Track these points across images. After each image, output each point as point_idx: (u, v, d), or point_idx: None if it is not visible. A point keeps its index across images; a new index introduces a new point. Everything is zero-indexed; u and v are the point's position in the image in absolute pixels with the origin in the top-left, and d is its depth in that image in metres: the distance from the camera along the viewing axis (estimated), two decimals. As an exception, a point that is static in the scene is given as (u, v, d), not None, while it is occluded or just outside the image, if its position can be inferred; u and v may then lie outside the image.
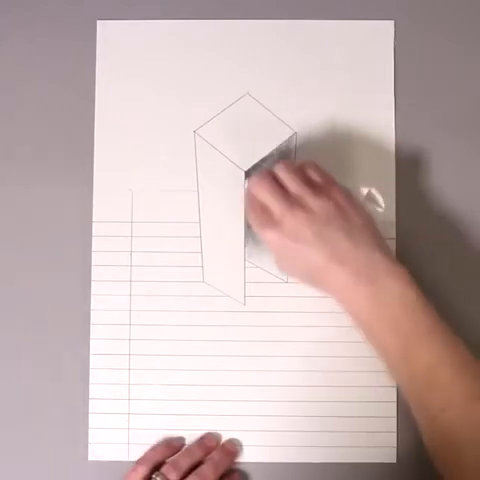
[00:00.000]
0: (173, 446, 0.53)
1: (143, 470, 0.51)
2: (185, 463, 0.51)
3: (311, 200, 0.48)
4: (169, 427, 0.54)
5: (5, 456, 0.55)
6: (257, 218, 0.49)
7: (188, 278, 0.55)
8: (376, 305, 0.46)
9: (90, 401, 0.55)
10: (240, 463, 0.54)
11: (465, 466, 0.43)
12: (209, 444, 0.53)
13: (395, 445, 0.54)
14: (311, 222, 0.47)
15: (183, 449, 0.53)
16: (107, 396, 0.55)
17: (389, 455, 0.54)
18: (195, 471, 0.51)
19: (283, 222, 0.48)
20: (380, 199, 0.53)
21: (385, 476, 0.54)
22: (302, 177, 0.50)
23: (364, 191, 0.53)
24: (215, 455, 0.52)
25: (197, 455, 0.52)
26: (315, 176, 0.50)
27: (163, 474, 0.50)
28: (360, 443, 0.54)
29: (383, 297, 0.46)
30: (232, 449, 0.53)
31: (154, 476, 0.51)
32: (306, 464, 0.54)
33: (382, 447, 0.54)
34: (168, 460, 0.52)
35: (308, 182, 0.49)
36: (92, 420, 0.55)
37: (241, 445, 0.54)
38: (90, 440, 0.54)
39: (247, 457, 0.54)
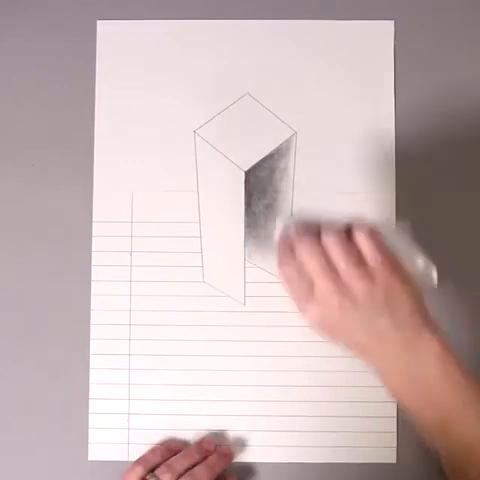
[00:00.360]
0: (173, 449, 0.53)
1: (140, 470, 0.51)
2: (180, 466, 0.51)
3: (360, 287, 0.45)
4: (169, 427, 0.54)
5: (5, 456, 0.55)
6: (299, 291, 0.46)
7: (188, 278, 0.55)
8: (414, 383, 0.45)
9: (90, 401, 0.55)
10: (239, 463, 0.54)
11: None
12: (206, 447, 0.53)
13: (395, 445, 0.54)
14: (356, 307, 0.45)
15: (180, 452, 0.53)
16: (107, 396, 0.55)
17: (389, 455, 0.54)
18: (189, 472, 0.51)
19: (327, 302, 0.45)
20: (434, 274, 0.48)
21: (385, 476, 0.54)
22: (352, 252, 0.46)
23: (420, 263, 0.49)
24: (211, 458, 0.52)
25: (193, 458, 0.52)
26: (367, 249, 0.46)
27: (156, 476, 0.50)
28: (360, 443, 0.54)
29: (421, 375, 0.45)
30: (227, 452, 0.54)
31: (148, 477, 0.50)
32: (306, 464, 0.54)
33: (382, 447, 0.54)
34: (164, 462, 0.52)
35: (358, 259, 0.46)
36: (92, 420, 0.55)
37: (242, 445, 0.54)
38: (90, 440, 0.54)
39: (247, 457, 0.54)
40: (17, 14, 0.57)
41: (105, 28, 0.57)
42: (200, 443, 0.54)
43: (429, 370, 0.45)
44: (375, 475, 0.54)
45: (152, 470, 0.51)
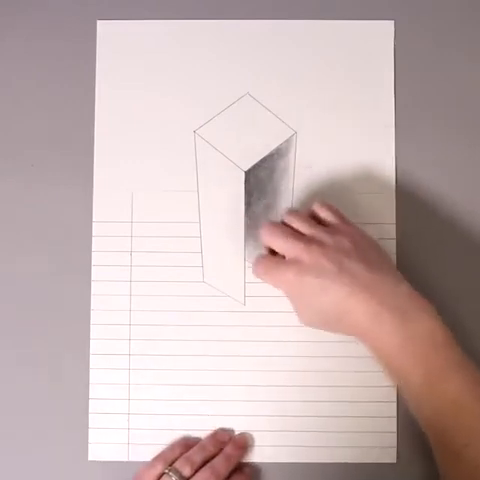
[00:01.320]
0: (189, 445, 0.53)
1: (160, 467, 0.51)
2: (198, 458, 0.51)
3: (326, 237, 0.47)
4: (169, 427, 0.54)
5: (5, 456, 0.55)
6: (269, 264, 0.49)
7: (188, 278, 0.55)
8: (402, 339, 0.45)
9: (90, 401, 0.55)
10: (240, 462, 0.54)
11: None
12: (221, 439, 0.53)
13: (395, 445, 0.54)
14: (330, 255, 0.46)
15: (196, 445, 0.53)
16: (107, 396, 0.55)
17: (389, 455, 0.54)
18: (208, 464, 0.51)
19: (300, 260, 0.47)
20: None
21: (385, 476, 0.54)
22: (314, 220, 0.50)
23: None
24: (227, 449, 0.53)
25: (210, 450, 0.52)
26: (328, 216, 0.50)
27: (176, 469, 0.50)
28: (360, 443, 0.54)
29: (411, 332, 0.45)
30: (243, 443, 0.54)
31: (167, 471, 0.50)
32: (306, 464, 0.54)
33: (382, 447, 0.54)
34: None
35: (321, 223, 0.49)
36: (92, 420, 0.55)
37: (253, 439, 0.54)
38: (90, 440, 0.54)
39: (247, 457, 0.54)
40: (17, 14, 0.57)
41: (105, 28, 0.57)
42: (214, 435, 0.54)
43: (419, 330, 0.45)
44: (375, 475, 0.54)
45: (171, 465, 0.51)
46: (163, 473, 0.50)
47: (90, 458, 0.54)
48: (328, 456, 0.54)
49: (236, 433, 0.54)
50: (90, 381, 0.55)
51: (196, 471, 0.50)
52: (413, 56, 0.56)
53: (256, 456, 0.54)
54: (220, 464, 0.51)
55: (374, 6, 0.57)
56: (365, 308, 0.45)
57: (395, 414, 0.54)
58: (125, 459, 0.54)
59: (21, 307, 0.55)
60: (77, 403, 0.55)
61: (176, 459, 0.52)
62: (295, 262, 0.47)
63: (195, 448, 0.52)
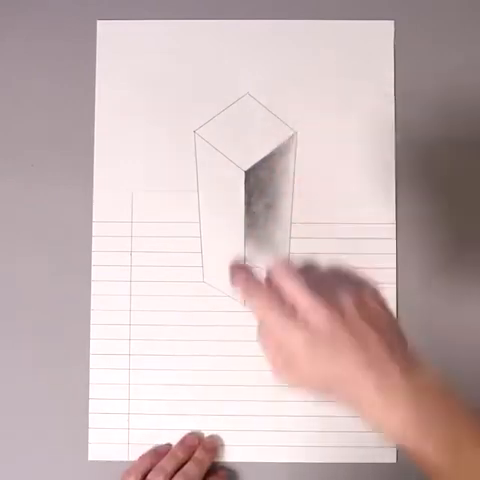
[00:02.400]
0: (160, 453, 0.53)
1: (133, 478, 0.52)
2: (170, 466, 0.52)
3: (346, 295, 0.41)
4: (169, 427, 0.54)
5: (5, 456, 0.55)
6: (279, 312, 0.41)
7: (188, 278, 0.55)
8: (412, 417, 0.39)
9: (90, 401, 0.55)
10: (239, 463, 0.54)
11: None
12: (191, 443, 0.54)
13: (395, 445, 0.54)
14: (346, 320, 0.40)
15: (167, 454, 0.53)
16: (107, 396, 0.55)
17: (389, 455, 0.54)
18: (179, 472, 0.51)
19: (312, 321, 0.40)
20: None
21: (385, 476, 0.54)
22: (331, 274, 0.43)
23: None
24: (198, 454, 0.53)
25: (181, 456, 0.53)
26: (350, 274, 0.43)
27: None
28: (360, 443, 0.54)
29: (419, 408, 0.39)
30: (212, 446, 0.54)
31: None
32: (306, 464, 0.54)
33: (382, 447, 0.54)
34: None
35: (343, 277, 0.43)
36: (92, 420, 0.55)
37: (222, 441, 0.54)
38: (90, 440, 0.54)
39: (247, 457, 0.54)
40: (17, 14, 0.57)
41: (105, 28, 0.57)
42: (183, 441, 0.54)
43: (429, 404, 0.40)
44: (375, 475, 0.54)
45: (144, 478, 0.52)
46: None
47: (90, 458, 0.54)
48: (328, 456, 0.54)
49: (232, 434, 0.54)
50: (90, 381, 0.55)
51: (169, 479, 0.51)
52: (413, 56, 0.56)
53: (257, 456, 0.54)
54: (192, 470, 0.52)
55: (374, 6, 0.57)
56: (375, 380, 0.40)
57: (395, 414, 0.54)
58: (125, 459, 0.54)
59: (21, 307, 0.55)
60: (77, 403, 0.55)
61: (147, 469, 0.52)
62: (303, 320, 0.40)
63: (166, 457, 0.53)
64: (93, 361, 0.55)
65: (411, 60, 0.56)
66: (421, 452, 0.40)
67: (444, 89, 0.56)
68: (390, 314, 0.42)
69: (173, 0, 0.57)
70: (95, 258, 0.56)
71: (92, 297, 0.55)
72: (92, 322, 0.55)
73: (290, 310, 0.41)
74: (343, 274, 0.43)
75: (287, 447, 0.54)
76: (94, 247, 0.56)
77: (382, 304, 0.42)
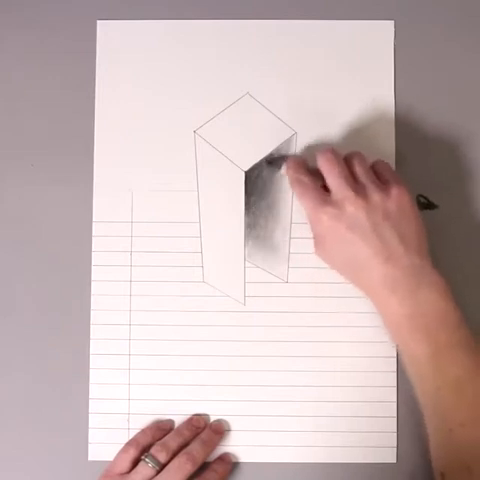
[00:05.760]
0: (162, 428, 0.53)
1: (133, 451, 0.51)
2: (174, 443, 0.51)
3: (375, 192, 0.48)
4: (169, 427, 0.55)
5: (5, 456, 0.55)
6: (316, 195, 0.49)
7: (188, 278, 0.55)
8: (412, 312, 0.46)
9: (90, 401, 0.55)
10: (240, 463, 0.54)
11: None
12: (197, 424, 0.53)
13: (395, 445, 0.54)
14: (371, 214, 0.47)
15: (172, 431, 0.53)
16: (107, 396, 0.55)
17: (389, 455, 0.54)
18: (184, 450, 0.51)
19: (343, 207, 0.48)
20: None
21: (385, 476, 0.54)
22: (372, 169, 0.50)
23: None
24: (203, 434, 0.53)
25: (185, 435, 0.52)
26: (385, 173, 0.50)
27: (152, 455, 0.50)
28: (360, 443, 0.54)
29: (423, 306, 0.46)
30: (219, 428, 0.54)
31: (143, 457, 0.51)
32: (306, 464, 0.54)
33: (382, 447, 0.54)
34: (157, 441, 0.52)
35: (377, 175, 0.50)
36: (92, 420, 0.55)
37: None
38: (90, 440, 0.54)
39: (247, 457, 0.54)
40: (17, 14, 0.57)
41: (105, 28, 0.57)
42: (189, 421, 0.54)
43: (428, 305, 0.46)
44: (375, 475, 0.54)
45: (144, 451, 0.51)
46: (137, 458, 0.51)
47: (90, 458, 0.54)
48: (328, 456, 0.54)
49: (231, 433, 0.54)
50: (90, 381, 0.55)
51: (172, 457, 0.50)
52: (413, 56, 0.56)
53: (257, 456, 0.54)
54: (196, 449, 0.51)
55: (374, 6, 0.57)
56: (383, 272, 0.47)
57: (395, 414, 0.54)
58: (125, 459, 0.54)
59: (21, 307, 0.55)
60: (77, 403, 0.55)
61: (149, 443, 0.52)
62: (335, 205, 0.48)
63: (171, 434, 0.52)
64: (93, 361, 0.55)
65: (411, 60, 0.56)
66: (410, 344, 0.46)
67: (444, 89, 0.56)
68: (412, 213, 0.48)
69: (173, 0, 0.57)
70: (95, 258, 0.56)
71: (92, 297, 0.55)
72: (92, 322, 0.55)
73: (325, 197, 0.49)
74: (378, 172, 0.50)
75: (287, 447, 0.54)
76: (94, 247, 0.56)
77: (408, 204, 0.48)
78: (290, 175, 0.51)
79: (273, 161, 0.53)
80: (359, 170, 0.49)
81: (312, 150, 0.55)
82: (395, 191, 0.48)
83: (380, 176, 0.50)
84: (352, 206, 0.47)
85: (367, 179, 0.49)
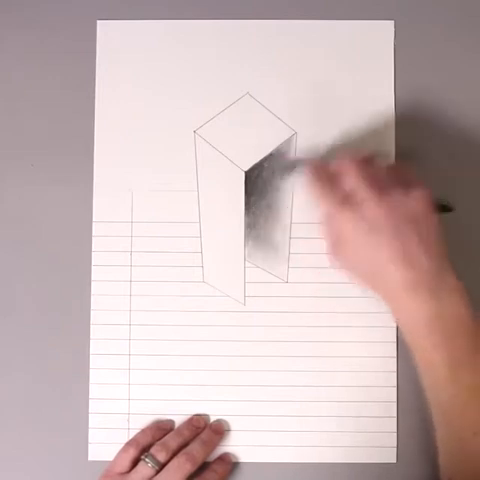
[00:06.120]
0: (162, 428, 0.53)
1: (133, 451, 0.51)
2: (174, 443, 0.51)
3: (397, 193, 0.47)
4: (169, 427, 0.55)
5: (5, 456, 0.55)
6: (336, 196, 0.48)
7: (188, 278, 0.55)
8: (431, 315, 0.45)
9: (90, 401, 0.55)
10: (240, 463, 0.54)
11: None
12: (197, 424, 0.53)
13: (395, 445, 0.54)
14: (392, 216, 0.46)
15: (172, 431, 0.53)
16: (107, 396, 0.55)
17: (389, 455, 0.54)
18: (183, 450, 0.51)
19: (364, 209, 0.46)
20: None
21: (385, 476, 0.54)
22: (393, 171, 0.49)
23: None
24: (203, 434, 0.53)
25: (185, 435, 0.52)
26: (405, 175, 0.49)
27: (152, 455, 0.50)
28: (360, 443, 0.54)
29: (440, 310, 0.45)
30: (219, 428, 0.54)
31: (143, 457, 0.51)
32: (306, 464, 0.54)
33: (382, 447, 0.54)
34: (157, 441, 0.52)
35: (398, 177, 0.49)
36: (92, 420, 0.55)
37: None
38: (90, 440, 0.54)
39: (247, 457, 0.54)
40: (17, 14, 0.57)
41: (105, 28, 0.57)
42: (190, 421, 0.54)
43: (448, 310, 0.45)
44: (375, 475, 0.54)
45: (144, 450, 0.51)
46: (137, 458, 0.51)
47: (90, 458, 0.54)
48: (328, 456, 0.54)
49: (231, 433, 0.54)
50: (90, 381, 0.55)
51: (172, 457, 0.51)
52: (413, 56, 0.56)
53: (256, 456, 0.54)
54: (196, 449, 0.51)
55: (374, 6, 0.57)
56: (404, 275, 0.45)
57: (395, 414, 0.54)
58: (125, 459, 0.54)
59: (21, 307, 0.55)
60: (77, 403, 0.55)
61: (149, 443, 0.52)
62: (356, 207, 0.47)
63: (171, 434, 0.52)
64: (93, 361, 0.55)
65: (411, 60, 0.56)
66: (427, 348, 0.45)
67: (444, 89, 0.56)
68: (432, 216, 0.47)
69: (173, 0, 0.57)
70: (95, 258, 0.56)
71: (92, 297, 0.55)
72: (92, 322, 0.55)
73: (344, 199, 0.47)
74: (398, 174, 0.49)
75: (287, 447, 0.54)
76: (94, 247, 0.56)
77: (428, 207, 0.47)
78: (309, 178, 0.50)
79: (288, 164, 0.53)
80: (379, 172, 0.48)
81: (312, 150, 0.55)
82: (417, 193, 0.47)
83: (400, 178, 0.49)
84: (373, 208, 0.46)
85: (388, 181, 0.48)
